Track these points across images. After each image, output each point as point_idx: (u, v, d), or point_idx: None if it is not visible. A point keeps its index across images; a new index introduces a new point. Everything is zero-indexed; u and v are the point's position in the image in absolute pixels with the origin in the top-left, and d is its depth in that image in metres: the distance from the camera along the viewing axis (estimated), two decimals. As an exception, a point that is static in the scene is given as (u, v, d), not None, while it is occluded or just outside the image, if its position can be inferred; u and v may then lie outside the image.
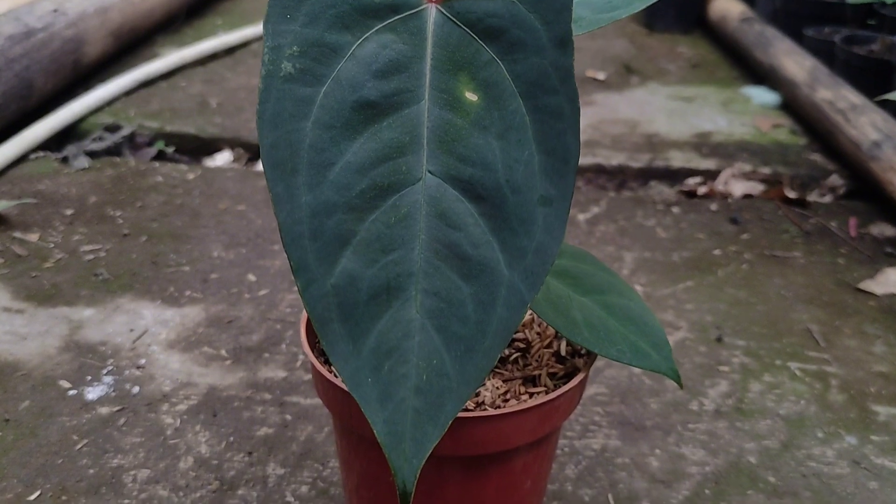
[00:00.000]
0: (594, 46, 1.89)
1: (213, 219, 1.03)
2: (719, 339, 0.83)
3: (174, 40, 1.72)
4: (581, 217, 1.09)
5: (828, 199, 1.19)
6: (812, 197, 1.19)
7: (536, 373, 0.51)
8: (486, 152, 0.36)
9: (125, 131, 1.25)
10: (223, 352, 0.78)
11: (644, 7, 0.40)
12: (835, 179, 1.23)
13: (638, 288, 0.92)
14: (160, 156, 1.24)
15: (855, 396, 0.76)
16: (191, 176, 1.15)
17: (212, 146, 1.27)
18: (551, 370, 0.51)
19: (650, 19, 2.05)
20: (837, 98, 1.30)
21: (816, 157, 1.29)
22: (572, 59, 0.35)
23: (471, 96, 0.37)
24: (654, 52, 1.87)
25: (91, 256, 0.93)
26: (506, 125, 0.36)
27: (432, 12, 0.38)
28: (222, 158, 1.25)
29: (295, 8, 0.36)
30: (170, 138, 1.27)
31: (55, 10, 1.35)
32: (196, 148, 1.27)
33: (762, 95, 1.55)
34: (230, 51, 1.66)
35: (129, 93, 1.40)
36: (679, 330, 0.85)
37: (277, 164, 0.35)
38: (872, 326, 0.86)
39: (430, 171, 0.36)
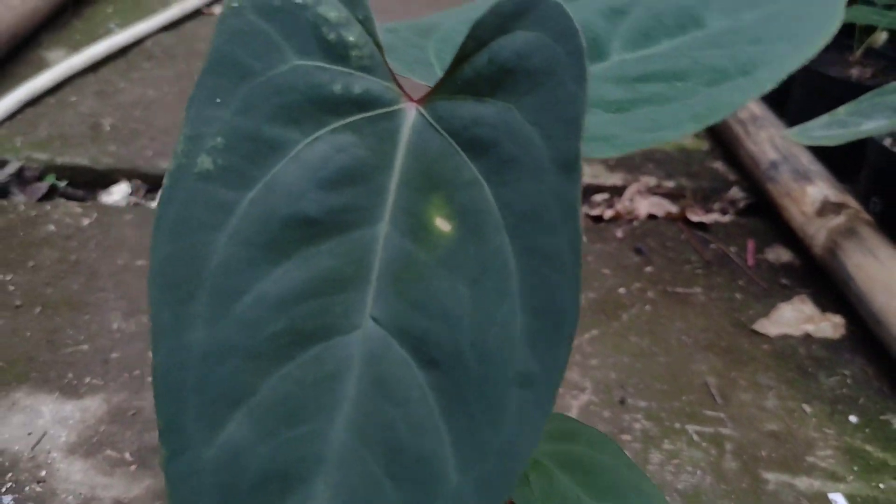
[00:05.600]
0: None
1: (111, 279, 1.00)
2: (622, 402, 0.86)
3: (62, 39, 1.61)
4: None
5: (728, 217, 1.22)
6: (713, 213, 1.22)
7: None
8: (452, 301, 0.26)
9: (12, 167, 1.18)
10: (127, 455, 0.77)
11: (700, 129, 0.32)
12: (735, 192, 1.26)
13: (545, 342, 0.94)
14: (52, 191, 1.18)
15: (747, 462, 0.80)
16: (85, 222, 1.10)
17: (107, 178, 1.22)
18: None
19: None
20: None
21: (718, 166, 1.32)
22: (579, 191, 0.25)
23: (443, 225, 0.28)
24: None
25: (-19, 338, 0.89)
26: (482, 268, 0.26)
27: (411, 114, 0.30)
28: (119, 192, 1.20)
29: (229, 91, 0.27)
30: (61, 171, 1.21)
31: (-78, 30, 1.24)
32: (90, 181, 1.21)
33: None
34: (123, 51, 1.57)
35: (13, 115, 1.31)
36: (584, 392, 0.87)
37: (170, 285, 0.26)
38: (766, 376, 0.91)
39: (374, 318, 0.27)
